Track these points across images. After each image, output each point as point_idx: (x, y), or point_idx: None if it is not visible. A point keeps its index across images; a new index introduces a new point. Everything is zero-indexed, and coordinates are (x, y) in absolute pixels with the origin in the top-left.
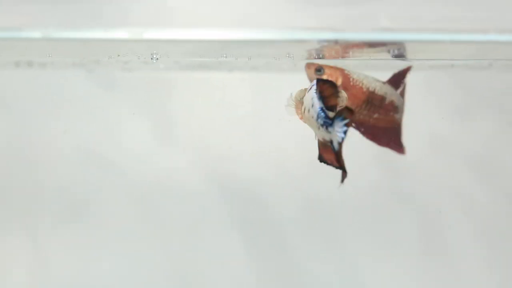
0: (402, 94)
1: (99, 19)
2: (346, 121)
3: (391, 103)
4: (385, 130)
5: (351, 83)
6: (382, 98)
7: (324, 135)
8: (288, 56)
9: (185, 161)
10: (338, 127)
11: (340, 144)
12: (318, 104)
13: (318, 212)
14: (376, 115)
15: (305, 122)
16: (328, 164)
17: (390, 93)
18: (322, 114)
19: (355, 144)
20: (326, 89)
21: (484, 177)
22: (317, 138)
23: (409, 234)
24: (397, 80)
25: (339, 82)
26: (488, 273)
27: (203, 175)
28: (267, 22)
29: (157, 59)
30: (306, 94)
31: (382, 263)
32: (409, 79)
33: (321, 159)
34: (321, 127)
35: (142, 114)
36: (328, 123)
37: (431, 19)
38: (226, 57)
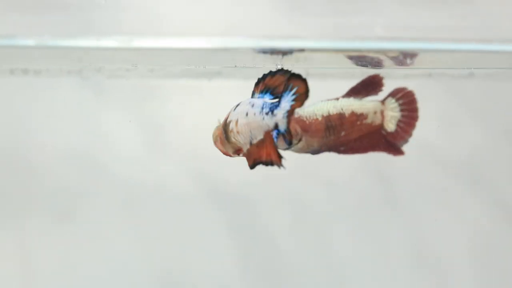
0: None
1: (92, 27)
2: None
3: (352, 113)
4: (361, 138)
5: (307, 122)
6: (340, 115)
7: (268, 122)
8: (277, 66)
9: (175, 166)
10: (286, 100)
11: (288, 115)
12: (259, 101)
13: (309, 216)
14: (343, 133)
15: (233, 140)
16: (264, 162)
17: (348, 105)
18: (268, 101)
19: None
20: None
21: (472, 184)
22: (245, 150)
23: (400, 240)
24: (359, 88)
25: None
26: (479, 279)
27: (193, 179)
28: (257, 31)
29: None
30: (232, 113)
31: (374, 268)
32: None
33: (255, 162)
34: (265, 116)
35: (134, 120)
36: (274, 104)
37: (412, 28)
38: (214, 64)
